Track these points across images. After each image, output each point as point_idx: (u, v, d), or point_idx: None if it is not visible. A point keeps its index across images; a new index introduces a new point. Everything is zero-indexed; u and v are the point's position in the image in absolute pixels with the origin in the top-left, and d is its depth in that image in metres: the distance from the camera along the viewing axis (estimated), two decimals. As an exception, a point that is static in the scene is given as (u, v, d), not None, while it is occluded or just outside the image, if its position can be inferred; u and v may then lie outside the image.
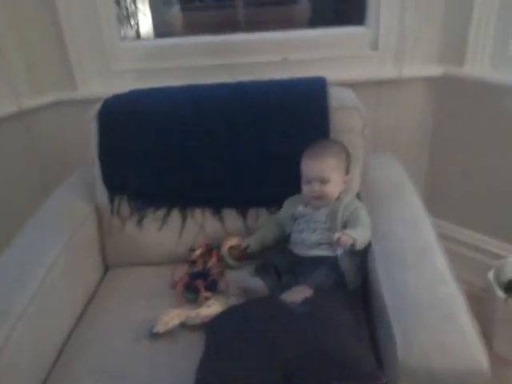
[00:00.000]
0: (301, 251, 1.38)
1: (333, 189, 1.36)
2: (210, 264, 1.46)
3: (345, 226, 1.33)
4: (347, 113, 1.45)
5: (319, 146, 1.38)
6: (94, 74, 1.84)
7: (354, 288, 1.27)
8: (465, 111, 1.71)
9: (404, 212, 1.35)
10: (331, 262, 1.30)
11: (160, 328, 1.22)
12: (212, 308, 1.26)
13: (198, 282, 1.36)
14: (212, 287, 1.36)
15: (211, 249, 1.51)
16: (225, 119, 1.48)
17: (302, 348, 0.99)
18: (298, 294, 1.17)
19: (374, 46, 1.74)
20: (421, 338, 0.97)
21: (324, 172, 1.34)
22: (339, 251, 1.30)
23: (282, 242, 1.47)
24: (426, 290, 1.08)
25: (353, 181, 1.47)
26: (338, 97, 1.46)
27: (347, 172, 1.41)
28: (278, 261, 1.39)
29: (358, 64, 1.74)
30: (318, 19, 2.11)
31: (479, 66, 1.65)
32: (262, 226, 1.50)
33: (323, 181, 1.34)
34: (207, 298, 1.31)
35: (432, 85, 1.75)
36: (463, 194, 1.80)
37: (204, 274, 1.40)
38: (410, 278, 1.11)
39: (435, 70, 1.72)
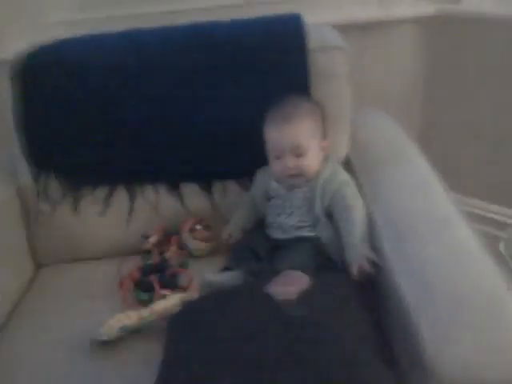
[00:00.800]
0: (279, 235, 1.11)
1: (312, 161, 1.07)
2: (168, 254, 1.15)
3: (329, 211, 1.06)
4: (330, 54, 1.16)
5: (287, 106, 1.08)
6: (13, 29, 1.49)
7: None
8: (462, 53, 1.46)
9: (409, 176, 1.08)
10: (313, 242, 1.04)
11: (106, 333, 0.94)
12: (170, 299, 0.97)
13: (151, 277, 1.06)
14: (171, 283, 1.06)
15: (169, 234, 1.20)
16: (178, 71, 1.16)
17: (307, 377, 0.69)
18: (291, 287, 0.88)
19: (355, -19, 1.46)
20: (459, 337, 0.70)
21: (299, 140, 1.04)
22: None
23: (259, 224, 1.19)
24: (456, 267, 0.81)
25: (337, 144, 1.19)
26: (317, 36, 1.16)
27: (325, 136, 1.11)
28: (256, 245, 1.10)
29: (336, 4, 1.45)
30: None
31: (479, 1, 1.39)
32: (238, 206, 1.20)
33: (299, 153, 1.05)
34: (163, 297, 1.02)
35: (424, 25, 1.48)
36: (462, 154, 1.55)
37: (160, 267, 1.10)
38: (429, 253, 0.85)
39: (427, 9, 1.45)
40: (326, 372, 0.69)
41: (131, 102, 1.15)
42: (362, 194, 1.06)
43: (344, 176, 1.09)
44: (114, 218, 1.22)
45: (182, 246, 1.19)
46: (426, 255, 0.85)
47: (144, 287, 1.05)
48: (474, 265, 0.82)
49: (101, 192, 1.22)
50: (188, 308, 0.91)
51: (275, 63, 1.15)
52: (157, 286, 1.03)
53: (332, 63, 1.16)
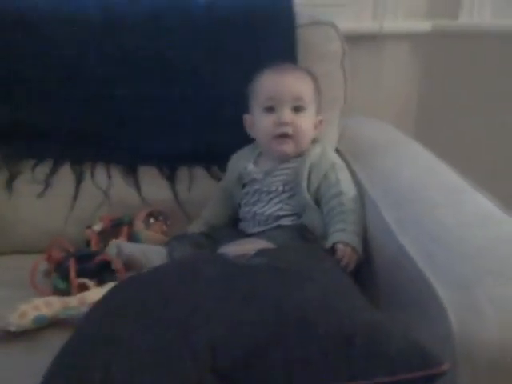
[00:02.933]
0: (255, 229, 0.91)
1: (308, 126, 0.90)
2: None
3: (317, 196, 0.87)
4: (321, 31, 1.04)
5: (287, 64, 0.94)
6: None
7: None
8: (458, 69, 1.36)
9: (411, 159, 0.91)
10: (296, 228, 0.86)
11: (16, 323, 0.71)
12: (102, 290, 0.74)
13: (70, 261, 0.83)
14: (98, 272, 0.83)
15: (119, 224, 0.99)
16: (152, 36, 1.01)
17: (271, 320, 0.48)
18: (247, 246, 0.67)
19: (347, -7, 1.39)
20: (488, 301, 0.50)
21: (302, 91, 0.89)
22: None
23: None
24: (477, 230, 0.61)
25: (328, 130, 1.03)
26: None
27: (319, 111, 0.95)
28: (219, 234, 0.90)
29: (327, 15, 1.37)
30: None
31: (478, 16, 1.32)
32: (209, 201, 1.01)
33: (299, 105, 0.88)
34: (83, 287, 0.80)
35: (419, 41, 1.39)
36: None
37: (90, 256, 0.87)
38: (443, 218, 0.65)
39: (423, 25, 1.38)
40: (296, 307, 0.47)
41: (91, 61, 0.99)
42: (356, 179, 0.89)
43: (336, 158, 0.93)
44: (55, 202, 1.01)
45: (132, 239, 0.97)
46: (438, 219, 0.65)
47: (63, 274, 0.82)
48: (500, 226, 0.62)
49: (42, 168, 1.02)
50: (119, 286, 0.68)
51: (257, 38, 1.02)
52: (72, 273, 0.80)
53: (324, 41, 1.04)
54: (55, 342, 0.61)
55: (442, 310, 0.48)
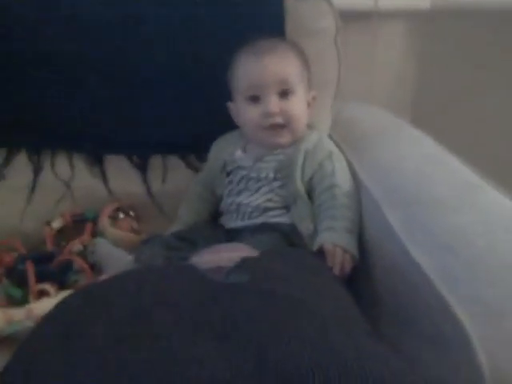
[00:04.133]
0: (237, 223, 0.81)
1: (301, 109, 0.80)
2: (72, 244, 0.81)
3: (309, 187, 0.78)
4: (312, 5, 0.92)
5: (266, 41, 0.82)
6: None
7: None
8: (460, 49, 1.26)
9: (413, 148, 0.80)
10: (284, 231, 0.75)
11: None
12: (53, 300, 0.63)
13: (28, 265, 0.72)
14: (58, 275, 0.73)
15: (82, 220, 0.87)
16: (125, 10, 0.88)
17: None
18: (225, 253, 0.56)
19: (340, -35, 1.27)
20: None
21: (286, 73, 0.78)
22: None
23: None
24: (505, 240, 0.51)
25: (321, 115, 0.92)
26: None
27: (310, 87, 0.85)
28: (197, 233, 0.79)
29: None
30: None
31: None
32: (186, 195, 0.90)
33: (286, 89, 0.78)
34: (43, 293, 0.70)
35: (417, 19, 1.28)
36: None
37: (47, 257, 0.76)
38: (460, 223, 0.55)
39: (422, 2, 1.27)
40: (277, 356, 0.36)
41: (58, 38, 0.86)
42: (351, 169, 0.79)
43: (333, 147, 0.83)
44: (10, 196, 0.89)
45: (97, 235, 0.85)
46: (451, 222, 0.55)
47: (17, 279, 0.72)
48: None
49: (-6, 157, 0.89)
50: (74, 296, 0.56)
51: (243, 16, 0.89)
52: (31, 278, 0.70)
53: (315, 17, 0.91)
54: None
55: (468, 348, 0.38)
